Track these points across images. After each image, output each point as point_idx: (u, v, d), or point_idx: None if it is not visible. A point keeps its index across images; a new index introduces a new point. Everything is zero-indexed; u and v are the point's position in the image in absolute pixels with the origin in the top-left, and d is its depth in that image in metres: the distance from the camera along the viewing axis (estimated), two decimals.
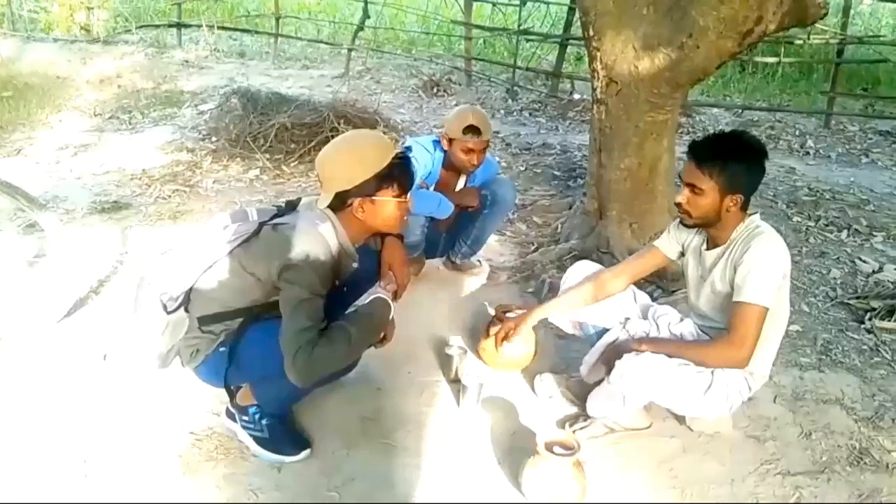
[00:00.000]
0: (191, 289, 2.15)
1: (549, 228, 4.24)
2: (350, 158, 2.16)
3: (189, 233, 2.25)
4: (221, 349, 2.15)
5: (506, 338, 2.59)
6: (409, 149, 3.29)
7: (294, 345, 1.97)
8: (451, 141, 3.23)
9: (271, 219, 2.17)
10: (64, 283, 3.06)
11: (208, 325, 2.14)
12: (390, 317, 2.30)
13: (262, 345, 2.06)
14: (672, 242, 2.51)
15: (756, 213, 2.31)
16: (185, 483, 2.19)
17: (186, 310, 2.15)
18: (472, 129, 3.15)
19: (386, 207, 2.19)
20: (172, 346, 2.16)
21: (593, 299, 2.53)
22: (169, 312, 2.12)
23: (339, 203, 2.16)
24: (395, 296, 2.44)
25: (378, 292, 2.31)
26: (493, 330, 2.74)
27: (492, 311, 2.96)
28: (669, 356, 2.19)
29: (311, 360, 1.98)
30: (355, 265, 2.27)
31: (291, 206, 2.24)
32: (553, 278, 3.42)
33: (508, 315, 2.78)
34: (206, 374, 2.23)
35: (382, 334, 2.33)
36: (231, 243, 2.13)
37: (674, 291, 3.30)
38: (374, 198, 2.16)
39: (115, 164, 5.25)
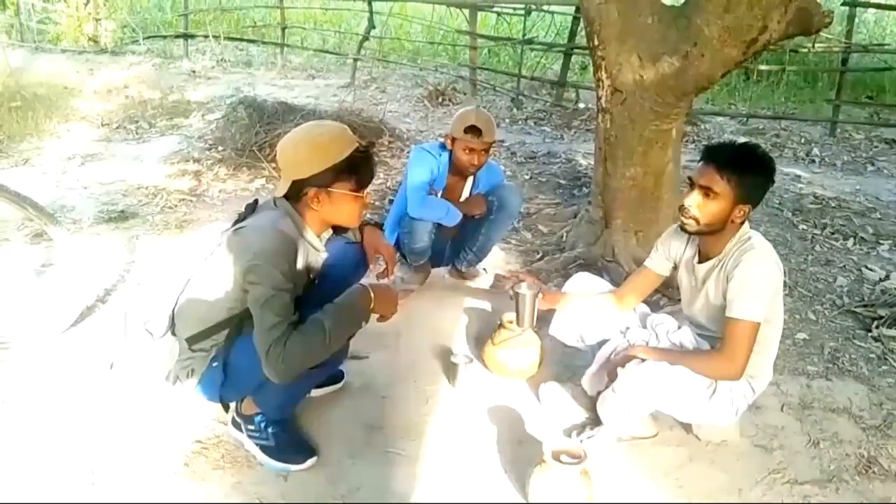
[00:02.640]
0: (173, 312, 2.15)
1: (555, 237, 4.24)
2: (309, 147, 2.10)
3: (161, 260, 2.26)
4: (214, 364, 2.15)
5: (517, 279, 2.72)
6: (417, 152, 3.32)
7: (266, 343, 1.97)
8: (454, 141, 3.25)
9: (233, 224, 2.15)
10: (71, 293, 3.07)
11: (197, 343, 2.14)
12: (370, 304, 2.21)
13: (248, 355, 2.04)
14: (662, 259, 2.53)
15: (747, 220, 2.31)
16: (193, 492, 2.18)
17: (174, 333, 2.15)
18: (473, 130, 3.17)
19: (341, 201, 2.13)
20: (170, 371, 2.17)
21: (605, 314, 2.59)
22: (157, 340, 2.12)
23: (296, 193, 2.12)
24: (386, 273, 2.46)
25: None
26: (500, 337, 2.76)
27: (497, 320, 2.96)
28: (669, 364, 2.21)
29: (285, 355, 1.96)
30: (324, 255, 2.24)
31: (251, 209, 2.21)
32: (559, 286, 3.42)
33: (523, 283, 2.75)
34: (205, 391, 2.22)
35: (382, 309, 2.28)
36: (200, 259, 2.13)
37: (679, 300, 3.30)
38: (330, 189, 2.10)
39: (123, 174, 5.28)
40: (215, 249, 2.14)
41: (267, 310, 1.98)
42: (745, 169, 2.19)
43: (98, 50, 10.20)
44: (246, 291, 2.04)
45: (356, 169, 2.13)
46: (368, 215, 3.37)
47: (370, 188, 2.28)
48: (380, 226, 2.62)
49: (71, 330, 3.03)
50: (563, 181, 5.30)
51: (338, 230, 2.35)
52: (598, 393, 2.41)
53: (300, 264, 2.13)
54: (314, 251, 2.21)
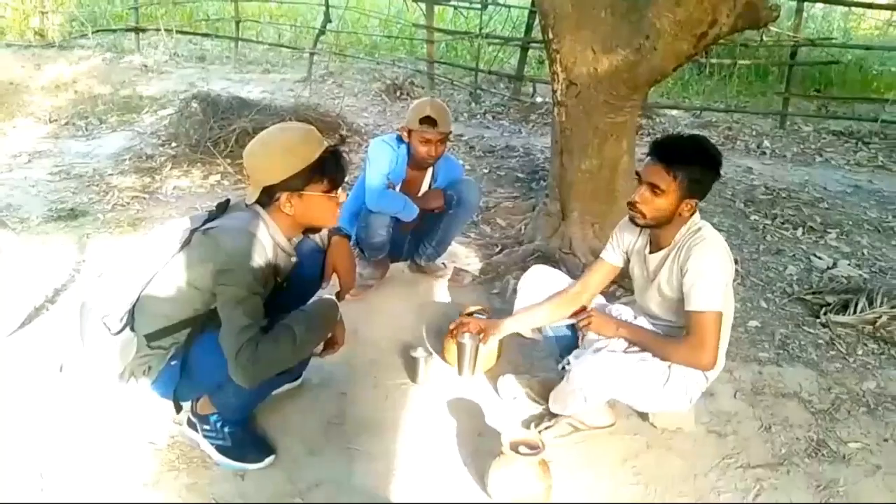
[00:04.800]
0: (133, 307, 2.10)
1: (513, 230, 4.26)
2: (277, 151, 2.08)
3: (123, 251, 2.20)
4: (173, 363, 2.11)
5: (460, 328, 2.65)
6: (375, 144, 3.30)
7: (235, 344, 1.94)
8: (410, 133, 3.23)
9: (202, 224, 2.11)
10: (18, 293, 2.98)
11: (156, 340, 2.09)
12: (337, 317, 2.26)
13: (210, 355, 2.02)
14: (616, 250, 2.54)
15: (696, 211, 2.33)
16: (147, 495, 2.14)
17: (132, 329, 2.10)
18: (428, 120, 3.15)
19: (315, 203, 2.11)
20: (126, 367, 2.11)
21: (559, 319, 2.57)
22: (114, 334, 2.07)
23: (267, 198, 2.10)
24: (339, 297, 2.42)
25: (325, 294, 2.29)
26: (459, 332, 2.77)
27: (456, 313, 2.96)
28: (637, 345, 2.27)
29: (254, 359, 1.95)
30: (294, 260, 2.22)
31: (222, 209, 2.18)
32: (517, 279, 3.43)
33: (477, 316, 2.80)
34: (161, 389, 2.18)
35: (331, 338, 2.31)
36: (166, 256, 2.09)
37: None
38: (302, 192, 2.08)
39: (72, 171, 5.15)
40: (183, 247, 2.10)
41: (238, 311, 1.96)
42: (692, 164, 2.20)
43: (45, 44, 9.88)
44: (214, 294, 2.02)
45: (328, 170, 2.11)
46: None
47: None
48: (349, 237, 2.58)
49: (18, 332, 2.95)
50: (521, 174, 5.33)
51: (308, 231, 2.32)
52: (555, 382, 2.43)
53: (270, 268, 2.10)
54: (284, 255, 2.18)
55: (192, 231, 2.11)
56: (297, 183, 2.07)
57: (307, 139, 2.12)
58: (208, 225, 2.10)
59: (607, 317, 2.43)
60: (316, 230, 2.33)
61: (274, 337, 2.01)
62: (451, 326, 2.71)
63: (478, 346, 2.64)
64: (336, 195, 2.17)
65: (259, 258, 2.02)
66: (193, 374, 2.13)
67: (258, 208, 2.12)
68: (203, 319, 2.10)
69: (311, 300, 2.33)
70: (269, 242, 2.08)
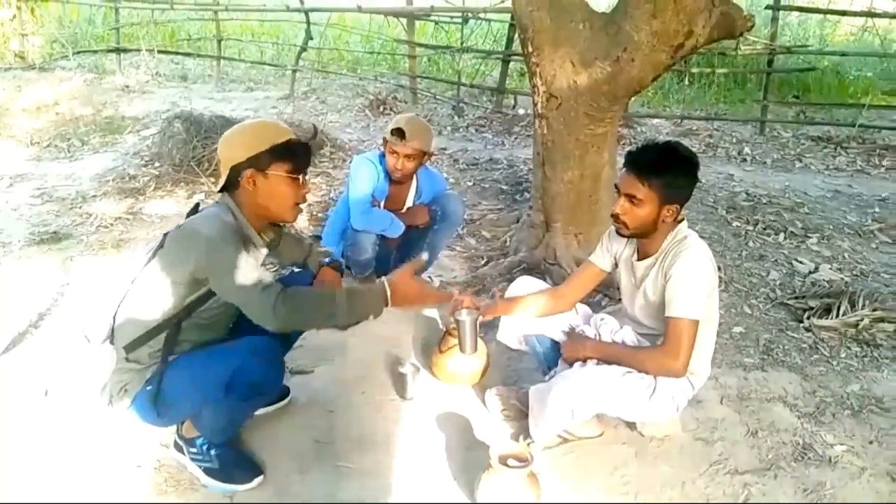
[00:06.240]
0: (113, 319, 2.10)
1: (498, 242, 4.28)
2: (245, 132, 2.15)
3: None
4: (148, 388, 2.08)
5: (457, 306, 2.58)
6: (357, 161, 3.32)
7: (269, 297, 1.95)
8: (385, 143, 3.26)
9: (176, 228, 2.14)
10: (1, 318, 2.96)
11: (133, 351, 2.08)
12: (381, 309, 2.12)
13: (184, 380, 2.02)
14: (605, 255, 2.57)
15: (683, 220, 2.36)
16: None
17: (112, 342, 2.10)
18: (398, 132, 3.18)
19: (278, 184, 2.12)
20: (105, 385, 2.10)
21: (548, 313, 2.60)
22: (95, 347, 2.06)
23: (234, 180, 2.12)
24: None
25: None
26: (446, 344, 2.77)
27: (443, 327, 2.97)
28: (612, 361, 2.27)
29: (294, 302, 1.96)
30: (264, 251, 2.22)
31: (194, 212, 2.22)
32: (503, 291, 3.44)
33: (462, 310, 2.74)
34: (139, 414, 2.15)
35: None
36: (140, 264, 2.11)
37: (620, 300, 3.36)
38: (266, 172, 2.10)
39: (54, 194, 5.12)
40: (157, 251, 2.10)
41: (250, 278, 1.97)
42: (665, 171, 2.24)
43: (26, 66, 9.86)
44: (197, 282, 2.03)
45: (292, 152, 2.14)
46: (321, 245, 3.36)
47: (314, 198, 2.26)
48: (338, 268, 2.59)
49: (2, 357, 2.92)
50: (505, 187, 5.36)
51: (273, 223, 2.30)
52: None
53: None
54: (255, 248, 2.18)
55: (165, 234, 2.12)
56: (262, 161, 2.10)
57: (275, 125, 2.19)
58: (180, 224, 2.12)
59: (574, 339, 2.45)
60: (278, 224, 2.32)
61: (313, 292, 2.06)
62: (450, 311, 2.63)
63: (476, 320, 2.59)
64: (300, 181, 2.16)
65: (236, 239, 2.04)
66: (170, 402, 2.10)
67: (227, 200, 2.15)
68: (177, 319, 2.09)
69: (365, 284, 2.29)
70: (238, 232, 2.10)
